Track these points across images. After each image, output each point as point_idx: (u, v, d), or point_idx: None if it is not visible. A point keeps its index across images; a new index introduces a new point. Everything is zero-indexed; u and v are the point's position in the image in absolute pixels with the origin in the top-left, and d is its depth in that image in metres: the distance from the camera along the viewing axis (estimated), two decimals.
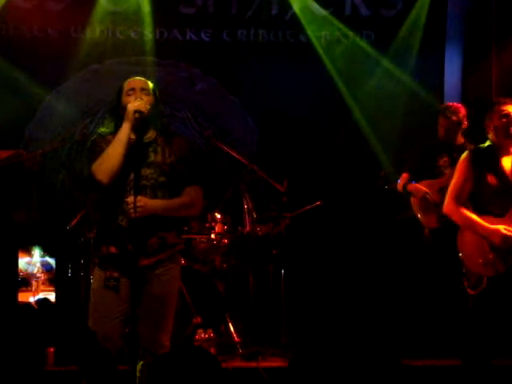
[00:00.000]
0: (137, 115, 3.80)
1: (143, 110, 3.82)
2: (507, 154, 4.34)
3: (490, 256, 4.17)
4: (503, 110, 4.34)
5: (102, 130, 4.03)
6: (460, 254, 4.35)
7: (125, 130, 3.82)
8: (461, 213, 4.30)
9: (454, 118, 5.79)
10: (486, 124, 4.42)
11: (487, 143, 4.41)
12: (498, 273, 4.16)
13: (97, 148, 3.89)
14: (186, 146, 4.06)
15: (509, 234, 4.13)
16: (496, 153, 4.35)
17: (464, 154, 4.43)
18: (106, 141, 3.90)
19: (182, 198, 3.95)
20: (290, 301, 6.12)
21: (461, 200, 4.32)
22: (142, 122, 3.85)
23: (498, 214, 4.22)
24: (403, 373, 3.72)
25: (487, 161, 4.34)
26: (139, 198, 3.76)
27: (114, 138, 3.85)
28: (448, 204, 4.38)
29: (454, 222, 4.38)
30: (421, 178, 5.77)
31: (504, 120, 4.31)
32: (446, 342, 5.43)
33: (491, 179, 4.28)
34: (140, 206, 3.75)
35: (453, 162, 5.64)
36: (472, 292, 4.26)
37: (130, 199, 3.75)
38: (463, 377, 4.35)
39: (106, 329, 3.83)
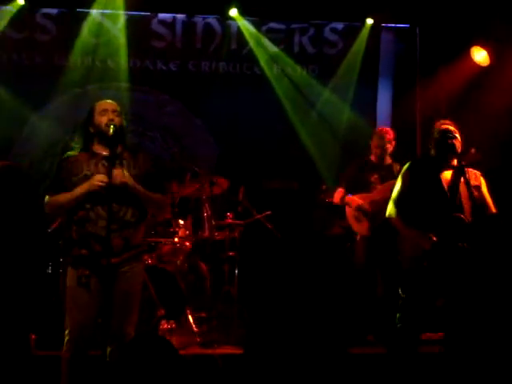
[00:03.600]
0: (98, 188, 3.74)
1: (104, 186, 3.73)
2: (447, 168, 4.32)
3: (422, 262, 4.16)
4: (442, 127, 4.34)
5: (73, 144, 4.00)
6: (398, 256, 4.36)
7: (80, 192, 3.78)
8: (399, 219, 4.28)
9: (383, 140, 5.87)
10: (428, 140, 4.39)
11: (427, 157, 4.39)
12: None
13: (61, 173, 3.88)
14: (149, 161, 4.06)
15: (434, 240, 4.13)
16: (435, 165, 4.33)
17: (406, 165, 4.41)
18: (69, 162, 3.89)
19: (151, 193, 3.94)
20: (242, 296, 6.13)
21: (401, 207, 4.29)
22: (111, 141, 3.82)
23: (430, 223, 4.19)
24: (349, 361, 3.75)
25: (426, 172, 4.32)
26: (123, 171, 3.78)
27: (75, 159, 3.85)
28: (390, 210, 4.35)
29: (391, 228, 4.36)
30: (355, 191, 5.83)
31: (442, 135, 4.31)
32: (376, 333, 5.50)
33: (428, 189, 4.26)
34: (123, 179, 3.77)
35: (382, 179, 5.75)
36: (402, 294, 4.28)
37: (117, 172, 3.75)
38: (389, 364, 4.39)
39: (81, 320, 3.83)
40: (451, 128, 4.35)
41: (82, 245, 3.84)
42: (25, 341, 5.11)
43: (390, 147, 5.88)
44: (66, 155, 3.97)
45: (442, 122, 4.44)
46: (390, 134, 5.89)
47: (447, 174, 4.31)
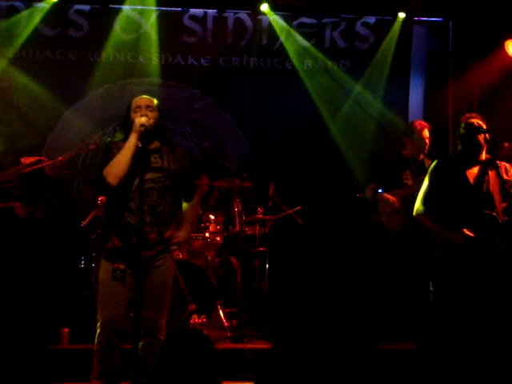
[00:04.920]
0: (142, 128, 3.84)
1: (147, 124, 3.86)
2: (474, 163, 4.25)
3: (455, 258, 4.11)
4: (470, 122, 4.26)
5: (115, 139, 4.07)
6: (430, 251, 4.30)
7: (132, 139, 3.85)
8: (427, 216, 4.24)
9: (421, 136, 5.78)
10: (453, 136, 4.35)
11: (454, 153, 4.33)
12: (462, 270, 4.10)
13: (109, 153, 3.94)
14: (186, 156, 4.10)
15: (468, 234, 4.07)
16: (462, 162, 4.26)
17: (433, 163, 4.35)
18: (117, 147, 3.94)
19: (193, 210, 4.12)
20: (272, 292, 6.13)
21: (429, 205, 4.25)
22: (147, 134, 3.89)
23: (460, 220, 4.13)
24: (377, 357, 3.72)
25: (452, 169, 4.26)
26: (176, 234, 3.94)
27: (123, 145, 3.88)
28: (418, 208, 4.31)
29: (422, 224, 4.31)
30: (387, 188, 5.78)
31: (470, 130, 4.22)
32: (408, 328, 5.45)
33: (454, 186, 4.20)
34: (177, 242, 3.92)
35: (414, 175, 5.67)
36: (433, 289, 4.24)
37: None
38: (419, 360, 4.35)
39: (114, 314, 3.86)
40: (477, 122, 4.26)
41: (119, 235, 3.87)
42: (55, 334, 5.18)
43: (427, 143, 5.79)
44: (115, 139, 4.05)
45: (468, 115, 4.35)
46: (428, 128, 5.80)
47: (475, 170, 4.24)
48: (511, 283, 4.17)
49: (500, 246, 4.11)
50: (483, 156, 4.28)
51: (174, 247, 3.96)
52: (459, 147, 4.31)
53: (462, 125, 4.29)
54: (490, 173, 4.23)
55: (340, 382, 2.80)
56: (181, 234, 3.99)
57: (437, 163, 4.35)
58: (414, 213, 4.35)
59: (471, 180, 4.21)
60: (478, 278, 4.14)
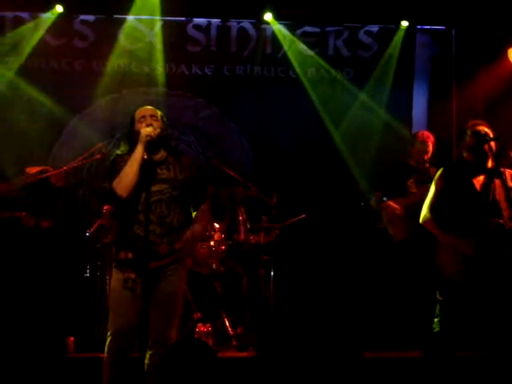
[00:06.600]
0: (148, 138, 3.84)
1: (153, 134, 3.87)
2: (480, 171, 4.22)
3: (463, 267, 4.09)
4: (477, 130, 4.22)
5: (119, 152, 4.07)
6: (436, 262, 4.26)
7: (138, 151, 3.86)
8: (435, 224, 4.21)
9: (425, 145, 5.79)
10: (460, 144, 4.28)
11: (460, 161, 4.29)
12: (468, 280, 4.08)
13: (117, 167, 3.94)
14: (193, 165, 4.10)
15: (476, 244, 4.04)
16: (468, 170, 4.23)
17: (439, 171, 4.32)
18: (123, 160, 3.94)
19: (203, 214, 4.07)
20: (278, 300, 6.11)
21: (436, 212, 4.22)
22: (153, 144, 3.89)
23: (467, 228, 4.11)
24: (367, 365, 3.70)
25: (459, 177, 4.23)
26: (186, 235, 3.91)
27: (129, 157, 3.88)
28: (425, 216, 4.28)
29: (428, 231, 4.28)
30: (391, 196, 5.77)
31: (477, 138, 4.18)
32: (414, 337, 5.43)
33: (461, 194, 4.18)
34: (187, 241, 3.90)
35: (418, 183, 5.67)
36: (441, 298, 4.22)
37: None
38: (426, 368, 4.32)
39: (124, 323, 3.85)
40: (484, 130, 4.23)
41: (129, 247, 3.88)
42: (60, 343, 5.17)
43: (430, 152, 5.79)
44: (119, 152, 4.04)
45: (474, 122, 4.31)
46: (432, 139, 5.81)
47: (481, 178, 4.21)
48: None
49: (508, 253, 4.09)
50: (489, 164, 4.26)
51: (181, 245, 3.91)
52: (465, 155, 4.28)
53: (468, 132, 4.26)
54: (495, 181, 4.21)
55: None
56: (189, 232, 3.95)
57: (443, 171, 4.32)
58: (421, 220, 4.32)
59: (478, 188, 4.19)
60: (485, 286, 4.11)
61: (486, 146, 4.19)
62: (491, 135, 4.23)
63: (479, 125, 4.27)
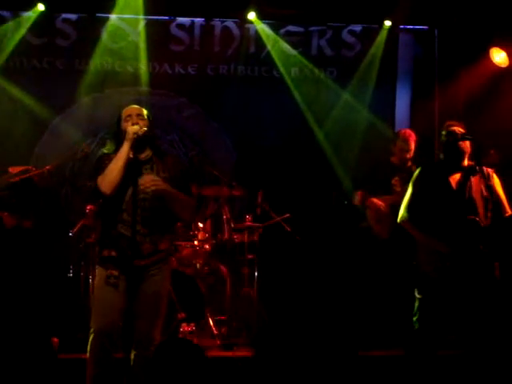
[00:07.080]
0: (135, 136, 3.83)
1: (140, 132, 3.85)
2: (456, 170, 4.26)
3: (440, 264, 4.13)
4: (451, 130, 4.27)
5: (105, 150, 4.05)
6: (415, 261, 4.30)
7: (125, 149, 3.84)
8: (411, 224, 4.25)
9: (407, 143, 5.82)
10: (438, 144, 4.36)
11: (437, 161, 4.34)
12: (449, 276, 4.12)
13: (102, 165, 3.92)
14: (177, 165, 4.09)
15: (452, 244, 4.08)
16: (445, 169, 4.28)
17: (417, 171, 4.37)
18: (109, 158, 3.92)
19: (181, 193, 3.96)
20: (262, 299, 6.11)
21: (413, 212, 4.26)
22: (139, 142, 3.88)
23: (444, 226, 4.15)
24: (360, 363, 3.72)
25: (436, 176, 4.28)
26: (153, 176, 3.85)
27: (115, 155, 3.87)
28: (402, 216, 4.32)
29: (406, 231, 4.32)
30: (375, 194, 5.79)
31: (451, 138, 4.23)
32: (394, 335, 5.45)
33: (437, 193, 4.22)
34: (155, 183, 3.82)
35: (403, 181, 5.68)
36: (419, 296, 4.24)
37: (147, 177, 3.81)
38: (407, 366, 4.34)
39: (108, 323, 3.82)
40: (459, 129, 4.28)
41: (113, 246, 3.86)
42: (47, 344, 5.13)
43: (412, 150, 5.83)
44: (106, 151, 4.02)
45: (449, 123, 4.36)
46: (414, 137, 5.84)
47: (457, 176, 4.26)
48: (494, 287, 4.19)
49: (483, 251, 4.13)
50: (465, 162, 4.31)
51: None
52: (441, 155, 4.34)
53: (444, 132, 4.32)
54: (472, 179, 4.26)
55: None
56: (166, 185, 3.89)
57: (420, 171, 4.38)
58: (399, 220, 4.37)
59: (454, 186, 4.24)
60: (462, 283, 4.15)
61: (461, 145, 4.23)
62: (466, 135, 4.28)
63: (454, 125, 4.33)
